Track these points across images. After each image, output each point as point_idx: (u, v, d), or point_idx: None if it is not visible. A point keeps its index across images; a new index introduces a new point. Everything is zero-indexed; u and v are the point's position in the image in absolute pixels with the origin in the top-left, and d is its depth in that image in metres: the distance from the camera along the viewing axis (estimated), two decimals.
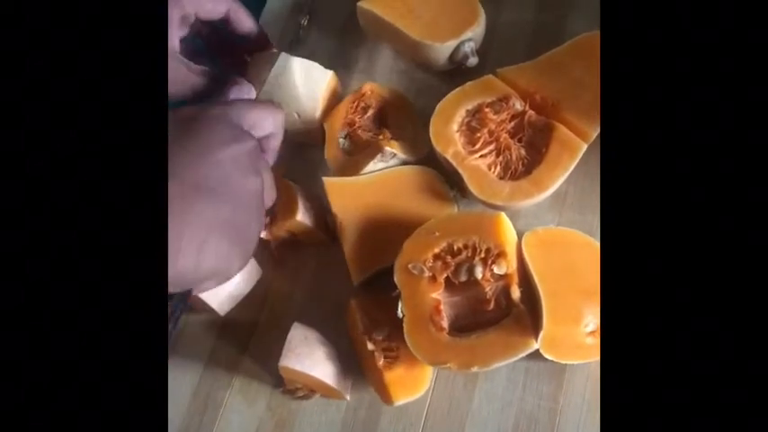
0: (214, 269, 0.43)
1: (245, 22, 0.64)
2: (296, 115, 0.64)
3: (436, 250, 0.52)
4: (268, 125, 0.54)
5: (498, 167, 0.58)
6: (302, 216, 0.58)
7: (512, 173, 0.58)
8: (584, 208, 0.60)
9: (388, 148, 0.60)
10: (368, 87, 0.65)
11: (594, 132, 0.58)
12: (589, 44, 0.62)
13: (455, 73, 0.67)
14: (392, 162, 0.62)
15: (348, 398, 0.56)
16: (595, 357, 0.52)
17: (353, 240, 0.58)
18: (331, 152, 0.64)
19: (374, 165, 0.61)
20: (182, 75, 0.58)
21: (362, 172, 0.61)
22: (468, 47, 0.65)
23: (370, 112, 0.65)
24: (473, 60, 0.65)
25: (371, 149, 0.61)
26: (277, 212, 0.59)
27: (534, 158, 0.58)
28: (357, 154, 0.63)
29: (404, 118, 0.65)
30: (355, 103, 0.65)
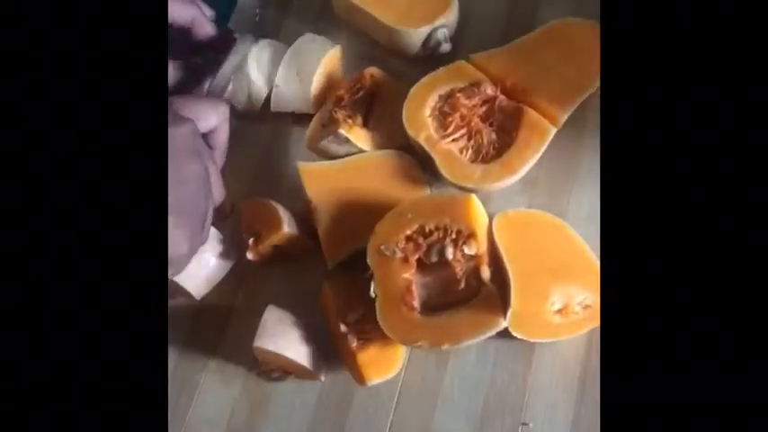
0: None
1: (204, 27, 0.63)
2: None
3: (408, 232, 0.52)
4: (211, 116, 0.55)
5: (470, 151, 0.59)
6: (288, 227, 0.58)
7: (483, 156, 0.59)
8: (555, 191, 0.61)
9: (341, 132, 0.60)
10: (369, 72, 0.65)
11: (563, 116, 0.60)
12: (559, 31, 0.63)
13: (429, 60, 0.67)
14: (346, 147, 0.62)
15: (322, 379, 0.57)
16: (563, 335, 0.53)
17: (327, 224, 0.59)
18: (314, 125, 0.64)
19: (327, 144, 0.62)
20: None
21: (320, 148, 0.62)
22: (442, 33, 0.66)
23: (360, 94, 0.65)
24: (446, 47, 0.66)
25: (333, 127, 0.61)
26: (261, 231, 0.60)
27: (504, 142, 0.59)
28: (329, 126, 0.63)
29: (388, 110, 0.64)
30: (352, 84, 0.65)
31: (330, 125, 0.62)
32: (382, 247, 0.52)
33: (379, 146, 0.62)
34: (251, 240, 0.60)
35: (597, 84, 0.60)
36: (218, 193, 0.55)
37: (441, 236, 0.52)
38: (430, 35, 0.66)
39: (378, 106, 0.65)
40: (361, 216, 0.58)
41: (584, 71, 0.60)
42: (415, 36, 0.65)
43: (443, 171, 0.58)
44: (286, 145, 0.68)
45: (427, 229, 0.52)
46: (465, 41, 0.68)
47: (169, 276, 0.52)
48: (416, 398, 0.56)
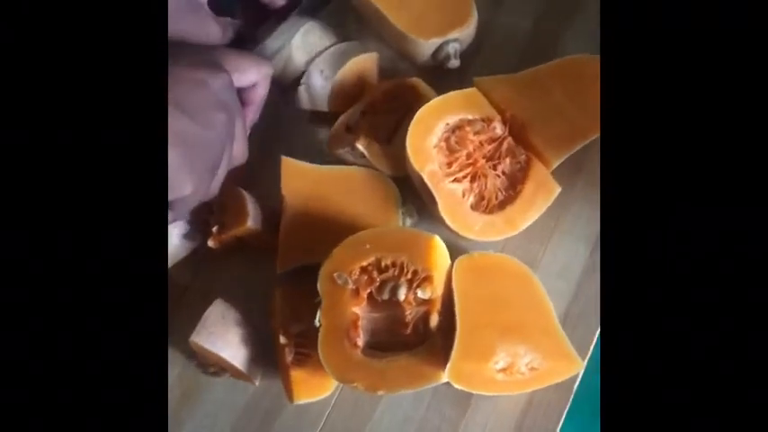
0: None
1: None
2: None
3: (364, 263, 0.51)
4: (251, 72, 0.54)
5: (472, 196, 0.56)
6: (252, 222, 0.57)
7: (485, 205, 0.56)
8: (533, 237, 0.58)
9: (359, 146, 0.58)
10: (410, 82, 0.62)
11: (556, 161, 0.57)
12: (572, 67, 0.60)
13: (437, 71, 0.64)
14: (361, 161, 0.60)
15: (257, 384, 0.56)
16: (506, 392, 0.52)
17: (290, 227, 0.57)
18: (339, 126, 0.61)
19: (344, 153, 0.60)
20: (207, 26, 0.56)
21: (337, 154, 0.60)
22: (453, 48, 0.62)
23: (394, 105, 0.62)
24: (454, 63, 0.63)
25: (353, 137, 0.59)
26: (226, 220, 0.58)
27: (508, 194, 0.57)
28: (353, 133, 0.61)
29: None
30: (389, 90, 0.63)
31: (354, 131, 0.60)
32: (335, 275, 0.50)
33: (398, 169, 0.59)
34: (215, 228, 0.59)
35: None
36: (240, 150, 0.54)
37: (396, 273, 0.51)
38: (440, 47, 0.62)
39: (406, 125, 0.59)
40: (326, 230, 0.56)
41: (590, 115, 0.57)
42: (425, 47, 0.62)
43: (445, 216, 0.55)
44: (293, 130, 0.66)
45: (383, 264, 0.51)
46: (476, 60, 0.65)
47: (169, 221, 0.51)
48: (344, 424, 0.55)
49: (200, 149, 0.47)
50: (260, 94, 0.57)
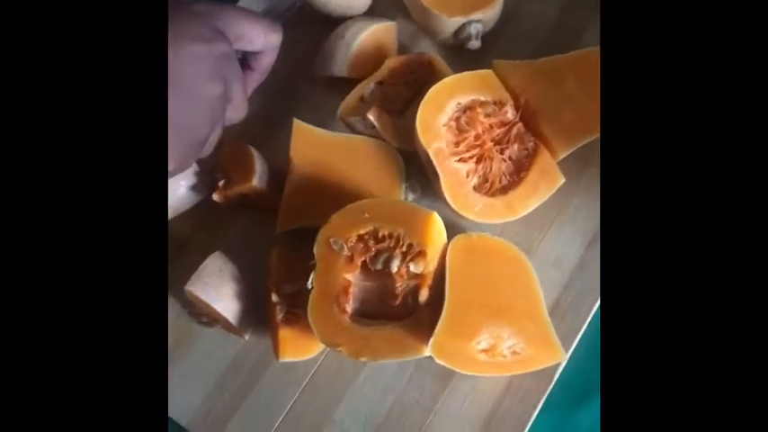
0: None
1: None
2: None
3: (361, 231, 0.51)
4: (257, 41, 0.53)
5: (476, 177, 0.57)
6: (258, 181, 0.58)
7: (488, 187, 0.57)
8: (532, 224, 0.59)
9: (369, 116, 0.58)
10: (428, 57, 0.62)
11: (563, 153, 0.57)
12: (591, 60, 0.59)
13: (457, 50, 0.64)
14: (370, 131, 0.60)
15: (246, 338, 0.58)
16: (486, 373, 0.53)
17: (294, 189, 0.58)
18: (353, 95, 0.62)
19: (355, 122, 0.60)
20: None
21: (349, 122, 0.61)
22: (475, 29, 0.62)
23: (410, 79, 0.62)
24: (475, 44, 0.63)
25: (366, 107, 0.60)
26: (232, 176, 0.59)
27: (512, 179, 0.57)
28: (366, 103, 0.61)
29: None
30: (407, 63, 0.63)
31: (368, 102, 0.61)
32: (332, 240, 0.51)
33: (406, 143, 0.59)
34: (221, 182, 0.60)
35: None
36: (236, 111, 0.54)
37: (391, 245, 0.51)
38: (462, 26, 0.63)
39: (422, 97, 0.60)
40: (328, 195, 0.57)
41: None
42: (447, 24, 0.62)
43: (446, 193, 0.55)
44: (308, 94, 0.66)
45: (380, 234, 0.51)
46: (497, 44, 0.65)
47: None
48: (326, 386, 0.56)
49: (187, 128, 0.47)
50: (265, 62, 0.57)
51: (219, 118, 0.51)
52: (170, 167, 0.48)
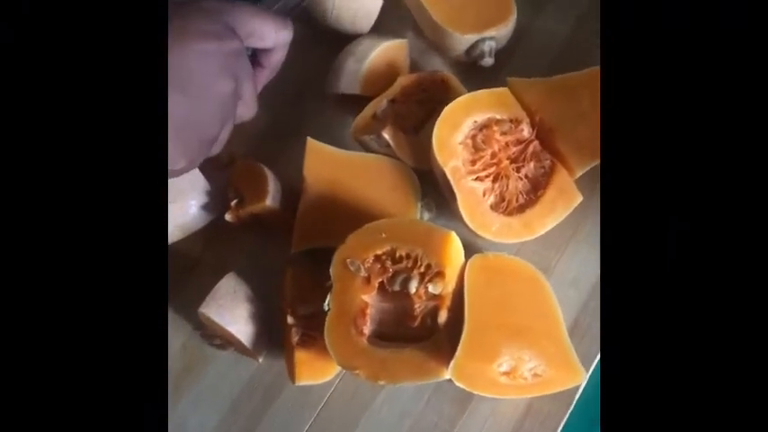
0: None
1: None
2: None
3: (378, 252, 0.51)
4: (268, 38, 0.52)
5: (493, 196, 0.56)
6: (271, 201, 0.57)
7: (505, 206, 0.56)
8: (549, 243, 0.58)
9: (385, 135, 0.58)
10: (441, 75, 0.61)
11: (580, 171, 0.57)
12: None
13: (469, 68, 0.64)
14: (385, 150, 0.60)
15: (260, 360, 0.57)
16: (507, 395, 0.52)
17: (308, 208, 0.57)
18: (366, 113, 0.61)
19: (369, 140, 0.60)
20: None
21: (362, 140, 0.60)
22: (488, 46, 0.62)
23: (422, 97, 0.62)
24: (488, 61, 0.62)
25: (380, 125, 0.59)
26: (245, 196, 0.58)
27: (529, 197, 0.56)
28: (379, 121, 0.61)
29: None
30: (419, 81, 0.62)
31: (381, 120, 0.60)
32: (348, 261, 0.50)
33: (422, 162, 0.58)
34: (234, 202, 0.59)
35: None
36: (247, 109, 0.53)
37: (409, 265, 0.50)
38: (475, 44, 0.62)
39: (437, 115, 0.57)
40: (343, 215, 0.56)
41: None
42: (460, 41, 0.62)
43: (464, 212, 0.54)
44: (320, 112, 0.66)
45: (398, 255, 0.51)
46: (509, 62, 0.65)
47: None
48: (342, 409, 0.55)
49: (197, 125, 0.46)
50: (276, 58, 0.56)
51: (230, 115, 0.50)
52: (180, 165, 0.47)
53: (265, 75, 0.57)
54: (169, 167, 0.46)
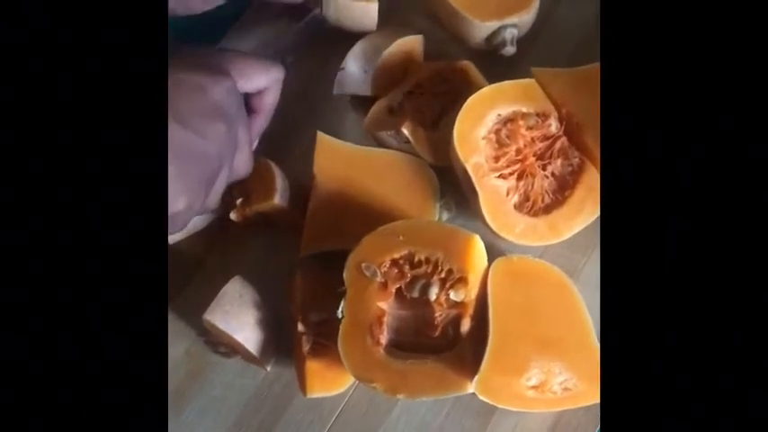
0: None
1: None
2: None
3: (396, 255, 0.47)
4: (258, 80, 0.52)
5: (517, 195, 0.53)
6: (279, 199, 0.54)
7: (530, 206, 0.53)
8: (576, 245, 0.55)
9: (404, 131, 0.54)
10: (461, 65, 0.58)
11: None
12: None
13: (489, 57, 0.60)
14: (404, 146, 0.56)
15: (268, 369, 0.53)
16: (534, 409, 0.49)
17: (318, 208, 0.54)
18: (379, 107, 0.58)
19: (386, 136, 0.56)
20: None
21: (378, 136, 0.57)
22: (510, 33, 0.58)
23: (440, 89, 0.58)
24: (510, 49, 0.59)
25: (398, 121, 0.56)
26: (251, 193, 0.55)
27: (556, 197, 0.53)
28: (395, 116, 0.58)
29: None
30: (437, 72, 0.59)
31: (397, 114, 0.57)
32: (363, 265, 0.47)
33: (441, 158, 0.55)
34: (239, 200, 0.55)
35: None
36: (242, 165, 0.51)
37: (429, 270, 0.47)
38: (497, 32, 0.58)
39: (457, 110, 0.54)
40: (356, 215, 0.53)
41: None
42: (481, 29, 0.58)
43: (486, 212, 0.51)
44: (330, 107, 0.62)
45: (416, 259, 0.47)
46: (533, 49, 0.61)
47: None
48: (356, 423, 0.52)
49: (195, 161, 0.45)
50: (269, 101, 0.54)
51: (228, 154, 0.48)
52: (179, 205, 0.44)
53: (260, 123, 0.56)
54: (170, 207, 0.44)
